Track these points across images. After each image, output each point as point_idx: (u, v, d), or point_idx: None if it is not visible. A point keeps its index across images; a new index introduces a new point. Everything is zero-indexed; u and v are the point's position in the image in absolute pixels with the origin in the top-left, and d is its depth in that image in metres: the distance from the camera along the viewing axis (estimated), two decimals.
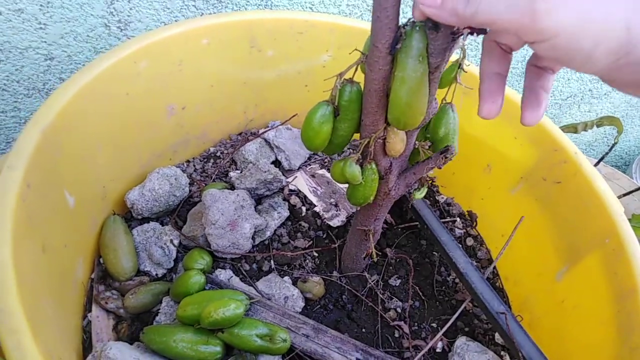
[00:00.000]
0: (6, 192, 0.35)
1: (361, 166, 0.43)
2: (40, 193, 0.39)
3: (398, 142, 0.43)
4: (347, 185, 0.68)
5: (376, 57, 0.36)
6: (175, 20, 0.66)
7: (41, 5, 0.59)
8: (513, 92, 0.61)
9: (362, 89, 0.40)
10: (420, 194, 0.48)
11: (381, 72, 0.37)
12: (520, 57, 0.96)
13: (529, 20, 0.25)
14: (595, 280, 0.49)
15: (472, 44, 0.89)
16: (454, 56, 0.37)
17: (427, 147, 0.46)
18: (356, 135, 0.43)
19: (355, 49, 0.38)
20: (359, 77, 0.40)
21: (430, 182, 0.47)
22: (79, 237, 0.51)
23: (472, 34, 0.33)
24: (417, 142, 0.45)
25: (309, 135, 0.41)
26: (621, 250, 0.46)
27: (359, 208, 0.52)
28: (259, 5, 0.69)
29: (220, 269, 0.55)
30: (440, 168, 0.45)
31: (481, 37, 0.36)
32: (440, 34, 0.33)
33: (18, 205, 0.35)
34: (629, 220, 0.78)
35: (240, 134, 0.72)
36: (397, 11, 0.33)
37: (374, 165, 0.43)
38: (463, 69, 0.42)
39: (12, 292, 0.30)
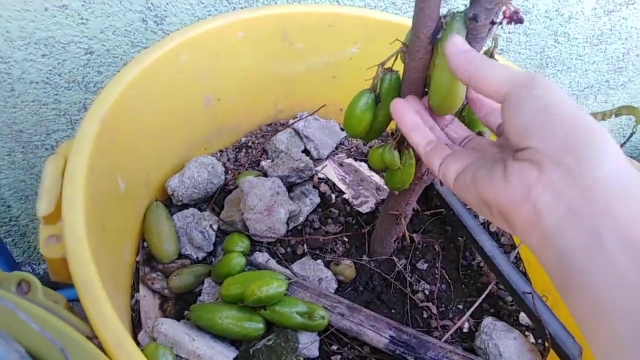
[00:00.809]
0: (76, 175, 0.38)
1: (399, 151, 0.45)
2: (100, 177, 0.42)
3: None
4: (372, 174, 0.71)
5: (417, 47, 0.38)
6: (209, 15, 0.69)
7: (84, 2, 0.61)
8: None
9: (401, 77, 0.42)
10: None
11: (422, 60, 0.39)
12: (540, 48, 0.97)
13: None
14: None
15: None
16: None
17: None
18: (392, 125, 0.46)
19: (397, 39, 0.40)
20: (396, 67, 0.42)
21: None
22: (127, 220, 0.54)
23: (509, 22, 0.35)
24: None
25: (352, 122, 0.43)
26: None
27: (390, 193, 0.55)
28: None
29: (257, 252, 0.57)
30: None
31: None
32: (479, 24, 0.36)
33: (86, 187, 0.38)
34: None
35: (270, 124, 0.75)
36: (439, 2, 0.36)
37: (411, 151, 0.45)
38: (495, 58, 0.44)
39: (90, 265, 0.33)
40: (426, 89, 0.41)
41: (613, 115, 0.86)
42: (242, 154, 0.71)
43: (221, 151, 0.71)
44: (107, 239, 0.44)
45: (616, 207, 0.23)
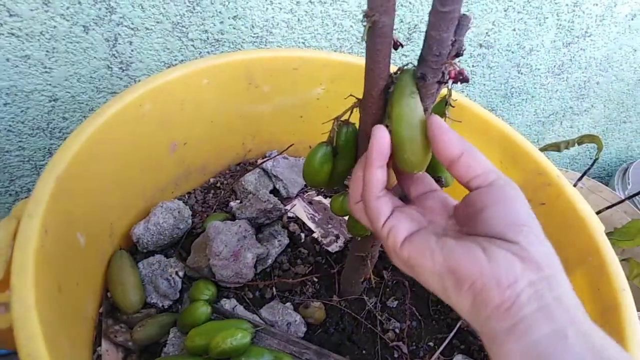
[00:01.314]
0: (27, 240, 0.37)
1: None
2: (56, 237, 0.42)
3: (392, 176, 0.46)
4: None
5: (370, 103, 0.39)
6: (175, 59, 0.69)
7: (47, 51, 0.61)
8: (495, 117, 0.65)
9: (357, 129, 0.43)
10: None
11: (375, 115, 0.40)
12: (503, 79, 1.00)
13: None
14: (581, 295, 0.52)
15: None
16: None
17: None
18: None
19: (350, 95, 0.41)
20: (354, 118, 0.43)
21: None
22: (89, 274, 0.53)
23: (455, 82, 0.37)
24: None
25: (311, 174, 0.43)
26: (603, 267, 0.50)
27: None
28: (254, 42, 0.72)
29: (225, 299, 0.57)
30: None
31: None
32: (428, 82, 0.37)
33: (38, 251, 0.38)
34: (612, 233, 0.82)
35: (239, 164, 0.75)
36: (388, 63, 0.37)
37: None
38: (451, 104, 0.45)
39: (38, 338, 0.33)
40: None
41: (576, 144, 0.89)
42: (211, 195, 0.71)
43: (189, 193, 0.71)
44: (64, 298, 0.43)
45: (578, 317, 0.27)
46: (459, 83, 0.37)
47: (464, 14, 0.35)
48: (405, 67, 0.38)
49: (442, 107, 0.45)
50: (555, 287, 0.28)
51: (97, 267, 0.54)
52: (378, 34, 0.34)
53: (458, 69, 0.36)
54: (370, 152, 0.35)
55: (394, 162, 0.38)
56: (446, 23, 0.32)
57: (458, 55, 0.36)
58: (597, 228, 0.54)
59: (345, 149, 0.44)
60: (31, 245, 0.37)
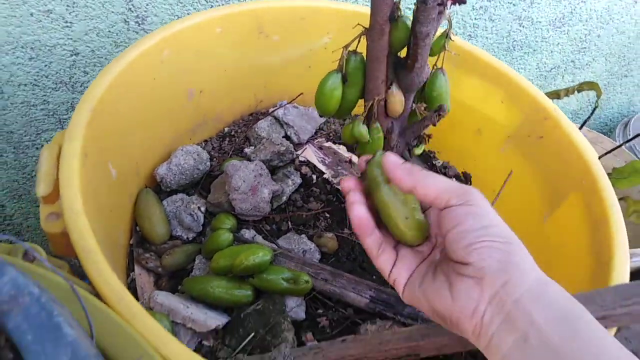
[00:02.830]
0: (71, 159, 0.42)
1: (367, 126, 0.50)
2: (93, 162, 0.46)
3: (397, 104, 0.50)
4: (351, 155, 0.75)
5: (376, 30, 0.43)
6: (188, 13, 0.73)
7: (67, 6, 0.65)
8: (497, 60, 0.68)
9: (365, 57, 0.47)
10: (419, 150, 0.55)
11: (381, 41, 0.44)
12: (505, 32, 1.03)
13: None
14: (575, 216, 0.56)
15: (459, 22, 0.96)
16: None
17: (423, 109, 0.53)
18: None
19: (358, 24, 0.45)
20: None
21: (427, 137, 0.54)
22: (120, 206, 0.57)
23: (453, 4, 0.40)
24: (414, 104, 0.52)
25: (322, 101, 0.47)
26: (594, 187, 0.54)
27: None
28: None
29: (244, 229, 0.61)
30: (434, 125, 0.52)
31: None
32: (428, 6, 0.40)
33: (80, 170, 0.42)
34: (610, 174, 0.85)
35: (251, 114, 0.79)
36: None
37: (378, 125, 0.50)
38: (450, 38, 0.49)
39: (89, 233, 0.37)
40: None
41: (575, 92, 0.92)
42: (226, 142, 0.75)
43: (205, 141, 0.75)
44: (101, 219, 0.47)
45: (537, 315, 0.29)
46: (457, 4, 0.40)
47: None
48: (371, 160, 0.39)
49: (442, 40, 0.48)
50: (512, 291, 0.30)
51: (126, 201, 0.59)
52: None
53: None
54: (355, 230, 0.38)
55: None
56: None
57: None
58: (590, 154, 0.57)
59: (354, 77, 0.47)
60: (75, 163, 0.41)
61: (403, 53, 0.48)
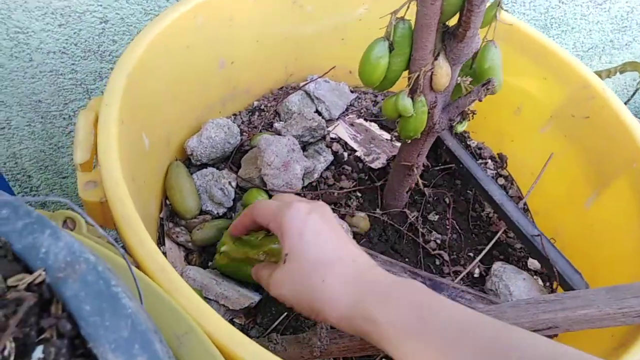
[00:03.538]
0: (109, 125, 0.40)
1: (412, 99, 0.47)
2: (128, 130, 0.45)
3: (444, 76, 0.47)
4: (383, 132, 0.73)
5: None
6: None
7: None
8: (540, 34, 0.64)
9: (413, 25, 0.44)
10: (462, 127, 0.53)
11: (432, 7, 0.41)
12: (544, 8, 0.98)
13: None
14: (624, 200, 0.54)
15: None
16: None
17: (468, 83, 0.50)
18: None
19: None
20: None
21: (472, 114, 0.51)
22: (151, 176, 0.56)
23: None
24: (459, 77, 0.50)
25: (367, 70, 0.45)
26: None
27: (402, 145, 0.57)
28: None
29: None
30: (480, 100, 0.49)
31: None
32: None
33: (117, 136, 0.41)
34: None
35: (281, 88, 0.77)
36: None
37: (423, 98, 0.47)
38: (502, 7, 0.46)
39: (129, 201, 0.36)
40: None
41: (618, 73, 0.88)
42: (256, 116, 0.73)
43: (235, 115, 0.73)
44: (136, 188, 0.46)
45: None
46: None
47: None
48: None
49: (494, 9, 0.46)
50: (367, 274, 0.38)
51: (157, 172, 0.58)
52: None
53: None
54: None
55: None
56: None
57: None
58: None
59: (401, 45, 0.45)
60: (112, 129, 0.40)
61: (451, 22, 0.46)
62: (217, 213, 0.61)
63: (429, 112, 0.50)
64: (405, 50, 0.45)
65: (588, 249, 0.57)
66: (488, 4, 0.44)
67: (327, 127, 0.72)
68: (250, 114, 0.74)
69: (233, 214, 0.61)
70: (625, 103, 0.93)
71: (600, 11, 1.03)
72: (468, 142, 0.77)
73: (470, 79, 0.50)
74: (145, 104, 0.51)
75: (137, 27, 0.71)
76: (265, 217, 0.42)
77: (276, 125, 0.71)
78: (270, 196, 0.61)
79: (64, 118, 0.78)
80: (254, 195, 0.58)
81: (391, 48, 0.45)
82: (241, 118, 0.72)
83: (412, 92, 0.48)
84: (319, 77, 0.75)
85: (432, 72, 0.46)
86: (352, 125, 0.74)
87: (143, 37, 0.48)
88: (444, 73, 0.47)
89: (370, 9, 0.70)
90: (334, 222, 0.42)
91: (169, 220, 0.59)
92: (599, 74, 0.88)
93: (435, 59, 0.46)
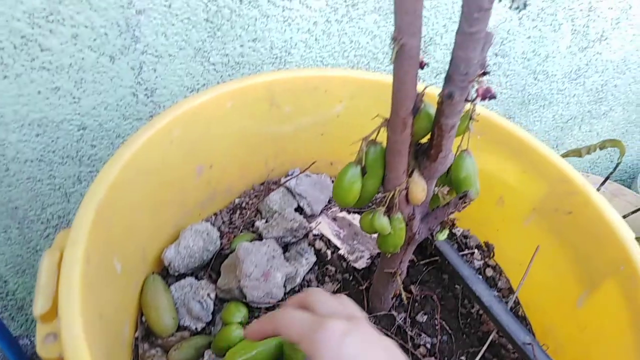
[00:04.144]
0: (72, 269, 0.39)
1: (388, 217, 0.46)
2: (96, 265, 0.43)
3: (420, 192, 0.46)
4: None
5: (397, 122, 0.40)
6: (198, 84, 0.71)
7: (75, 82, 0.63)
8: (516, 127, 0.65)
9: (384, 148, 0.44)
10: (442, 236, 0.52)
11: (403, 134, 0.41)
12: (520, 86, 1.00)
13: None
14: (615, 306, 0.52)
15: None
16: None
17: (445, 192, 0.50)
18: None
19: (377, 115, 0.42)
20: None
21: (452, 222, 0.50)
22: (125, 299, 0.54)
23: (483, 99, 0.37)
24: (436, 187, 0.49)
25: (341, 194, 0.44)
26: (637, 277, 0.49)
27: (383, 255, 0.55)
28: (274, 63, 0.74)
29: (256, 319, 0.57)
30: (459, 211, 0.48)
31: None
32: (455, 101, 0.37)
33: (82, 280, 0.39)
34: (638, 239, 0.80)
35: (262, 183, 0.76)
36: (415, 84, 0.37)
37: (400, 215, 0.46)
38: (474, 119, 0.46)
39: None
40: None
41: (598, 149, 0.88)
42: (237, 215, 0.72)
43: (215, 214, 0.72)
44: (104, 324, 0.44)
45: None
46: (487, 100, 0.37)
47: (487, 31, 0.36)
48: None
49: (466, 122, 0.46)
50: None
51: (132, 292, 0.56)
52: (406, 57, 0.35)
53: (485, 86, 0.37)
54: None
55: None
56: (473, 43, 0.33)
57: (485, 73, 0.37)
58: (627, 236, 0.53)
59: (373, 168, 0.44)
60: (75, 274, 0.38)
61: (425, 139, 0.46)
62: (196, 328, 0.58)
63: (407, 224, 0.49)
64: (378, 172, 0.45)
65: (583, 356, 0.55)
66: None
67: (310, 222, 0.71)
68: (231, 212, 0.72)
69: (213, 328, 0.59)
70: (609, 175, 0.94)
71: (576, 85, 1.06)
72: (453, 231, 0.76)
73: (447, 188, 0.50)
74: (118, 229, 0.49)
75: (117, 132, 0.71)
76: (293, 334, 0.36)
77: (258, 224, 0.69)
78: (249, 309, 0.58)
79: (42, 222, 0.77)
80: (231, 312, 0.55)
81: (364, 171, 0.44)
82: (222, 218, 0.71)
83: (389, 210, 0.47)
84: (300, 173, 0.74)
85: (407, 189, 0.46)
86: (334, 219, 0.73)
87: (114, 163, 0.48)
88: (419, 189, 0.46)
89: (348, 106, 0.71)
90: (376, 344, 0.37)
91: (144, 340, 0.56)
92: (579, 151, 0.89)
93: (410, 175, 0.46)
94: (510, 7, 0.27)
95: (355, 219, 0.73)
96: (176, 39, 0.64)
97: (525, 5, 0.28)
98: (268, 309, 0.60)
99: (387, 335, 0.60)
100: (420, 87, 0.39)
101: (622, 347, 0.49)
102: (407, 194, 0.46)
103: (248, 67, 0.73)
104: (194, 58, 0.68)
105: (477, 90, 0.36)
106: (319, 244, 0.68)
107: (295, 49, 0.73)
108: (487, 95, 0.36)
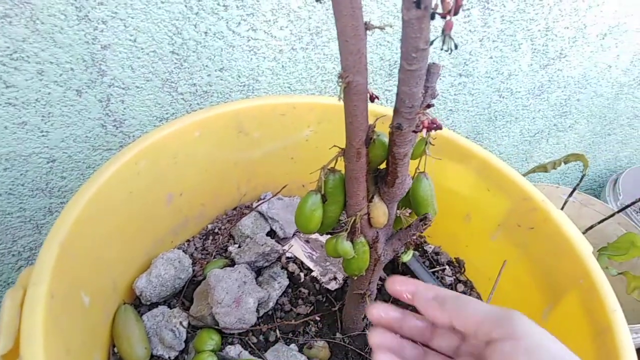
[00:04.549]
0: (35, 308, 0.39)
1: (351, 241, 0.48)
2: (62, 301, 0.43)
3: (381, 216, 0.48)
4: None
5: (352, 152, 0.42)
6: (166, 113, 0.72)
7: (43, 116, 0.64)
8: (477, 147, 0.67)
9: (344, 175, 0.45)
10: (407, 257, 0.53)
11: (358, 163, 0.42)
12: (486, 104, 1.03)
13: None
14: (577, 318, 0.53)
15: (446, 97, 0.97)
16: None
17: (407, 214, 0.51)
18: None
19: (334, 145, 0.44)
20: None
21: (415, 244, 0.52)
22: (95, 331, 0.54)
23: (429, 130, 0.39)
24: (398, 210, 0.50)
25: (303, 222, 0.45)
26: (594, 290, 0.51)
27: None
28: (241, 90, 0.75)
29: (229, 345, 0.58)
30: (421, 232, 0.50)
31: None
32: (404, 131, 0.39)
33: (46, 318, 0.39)
34: (605, 248, 0.83)
35: (235, 208, 0.77)
36: (366, 116, 0.39)
37: (363, 239, 0.48)
38: (431, 143, 0.48)
39: None
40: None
41: (562, 163, 0.91)
42: (209, 241, 0.72)
43: (188, 241, 0.72)
44: (72, 359, 0.44)
45: None
46: (433, 131, 0.39)
47: (433, 63, 0.38)
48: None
49: (422, 146, 0.47)
50: None
51: (102, 324, 0.55)
52: (354, 92, 0.36)
53: (431, 118, 0.38)
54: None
55: None
56: (415, 79, 0.34)
57: (429, 106, 0.38)
58: (585, 250, 0.55)
59: (333, 195, 0.46)
60: (39, 312, 0.39)
61: (383, 165, 0.47)
62: (169, 357, 0.58)
63: (371, 247, 0.50)
64: (339, 198, 0.46)
65: None
66: (416, 140, 0.46)
67: (283, 245, 0.72)
68: (204, 238, 0.73)
69: (185, 357, 0.59)
70: (575, 188, 0.97)
71: (540, 101, 1.09)
72: (425, 247, 0.77)
73: (409, 211, 0.51)
74: (84, 263, 0.50)
75: (86, 163, 0.72)
76: (487, 319, 0.32)
77: (231, 249, 0.70)
78: (222, 335, 0.59)
79: (13, 255, 0.76)
80: (204, 340, 0.56)
81: (324, 199, 0.46)
82: (194, 244, 0.72)
83: (352, 234, 0.48)
84: (272, 197, 0.75)
85: (368, 214, 0.47)
86: (307, 241, 0.74)
87: (78, 199, 0.48)
88: (380, 213, 0.47)
89: (316, 130, 0.72)
90: None
91: None
92: (545, 166, 0.91)
93: (370, 200, 0.47)
94: (441, 49, 0.29)
95: (326, 238, 0.74)
96: (143, 71, 0.66)
97: (456, 47, 0.29)
98: (241, 335, 0.60)
99: (361, 355, 0.61)
100: (378, 111, 0.41)
101: (584, 357, 0.50)
102: (369, 218, 0.48)
103: (216, 95, 0.74)
104: (162, 89, 0.69)
105: (422, 122, 0.38)
106: (292, 267, 0.69)
107: (263, 76, 0.75)
108: (433, 126, 0.38)
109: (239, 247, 0.70)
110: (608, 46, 1.02)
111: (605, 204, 1.15)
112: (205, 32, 0.65)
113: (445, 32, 0.30)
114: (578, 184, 0.94)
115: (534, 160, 1.25)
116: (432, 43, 0.30)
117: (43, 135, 0.66)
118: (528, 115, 1.11)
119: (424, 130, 0.38)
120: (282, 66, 0.75)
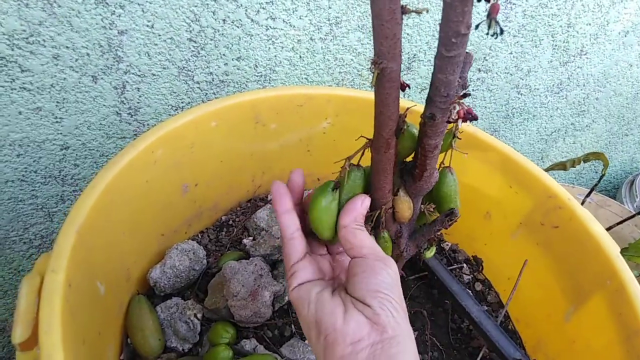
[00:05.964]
0: (53, 296, 0.38)
1: (375, 236, 0.46)
2: (78, 289, 0.42)
3: (406, 210, 0.47)
4: None
5: (381, 143, 0.40)
6: (182, 102, 0.71)
7: (57, 102, 0.63)
8: (501, 143, 0.66)
9: (365, 172, 0.44)
10: (430, 253, 0.52)
11: (387, 154, 0.41)
12: (504, 100, 1.02)
13: None
14: (603, 320, 0.52)
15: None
16: None
17: (432, 210, 0.50)
18: None
19: (361, 136, 0.42)
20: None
21: (438, 240, 0.50)
22: (109, 321, 0.53)
23: (465, 121, 0.37)
24: (422, 205, 0.49)
25: (319, 228, 0.43)
26: (623, 291, 0.49)
27: None
28: (258, 81, 0.74)
29: (245, 339, 0.57)
30: (446, 229, 0.49)
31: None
32: (437, 122, 0.38)
33: (63, 307, 0.38)
34: (626, 249, 0.81)
35: (249, 200, 0.76)
36: (397, 105, 0.38)
37: (386, 234, 0.46)
38: (458, 137, 0.46)
39: None
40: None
41: (582, 162, 0.89)
42: (223, 233, 0.71)
43: (202, 232, 0.71)
44: (88, 350, 0.43)
45: None
46: (468, 122, 0.38)
47: (467, 52, 0.36)
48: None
49: (450, 139, 0.46)
50: (394, 345, 0.33)
51: (116, 314, 0.54)
52: (387, 79, 0.35)
53: (466, 107, 0.37)
54: (273, 201, 0.42)
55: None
56: (452, 66, 0.33)
57: (466, 95, 0.37)
58: (613, 250, 0.54)
59: (353, 190, 0.44)
60: (57, 300, 0.37)
61: (409, 157, 0.46)
62: (183, 350, 0.57)
63: (394, 242, 0.49)
64: (359, 191, 0.44)
65: None
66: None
67: None
68: (218, 230, 0.72)
69: (200, 349, 0.58)
70: (594, 186, 0.95)
71: (559, 98, 1.07)
72: (442, 245, 0.76)
73: (433, 206, 0.50)
74: (100, 252, 0.48)
75: (100, 151, 0.71)
76: (373, 252, 0.40)
77: (245, 241, 0.69)
78: (237, 328, 0.57)
79: (24, 242, 0.75)
80: (219, 333, 0.55)
81: (340, 194, 0.44)
82: (208, 236, 0.70)
83: (375, 229, 0.46)
84: None
85: (393, 207, 0.46)
86: None
87: (95, 186, 0.47)
88: (405, 207, 0.46)
89: (333, 123, 0.71)
90: None
91: None
92: (564, 164, 0.90)
93: (395, 194, 0.46)
94: (487, 34, 0.27)
95: None
96: (159, 59, 0.64)
97: (502, 31, 0.28)
98: (256, 328, 0.59)
99: None
100: (403, 105, 0.40)
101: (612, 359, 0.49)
102: (393, 213, 0.46)
103: (233, 85, 0.72)
104: (178, 77, 0.67)
105: (457, 112, 0.36)
106: None
107: (280, 66, 0.73)
108: (468, 116, 0.36)
109: (254, 239, 0.68)
110: (630, 44, 1.00)
111: (622, 206, 1.13)
112: (224, 20, 0.64)
113: (492, 15, 0.28)
114: (596, 184, 0.93)
115: (549, 159, 1.23)
116: (477, 27, 0.29)
117: (57, 122, 0.65)
118: (546, 113, 1.09)
119: (459, 121, 0.36)
120: (300, 57, 0.74)
